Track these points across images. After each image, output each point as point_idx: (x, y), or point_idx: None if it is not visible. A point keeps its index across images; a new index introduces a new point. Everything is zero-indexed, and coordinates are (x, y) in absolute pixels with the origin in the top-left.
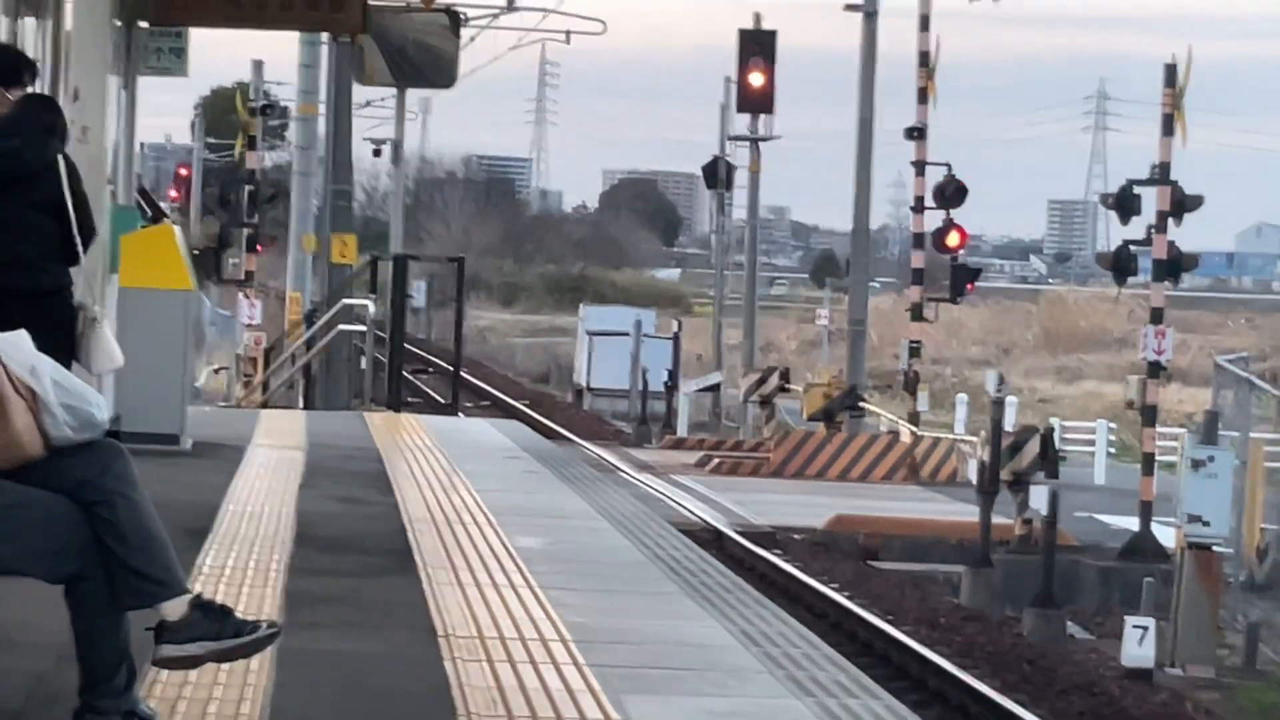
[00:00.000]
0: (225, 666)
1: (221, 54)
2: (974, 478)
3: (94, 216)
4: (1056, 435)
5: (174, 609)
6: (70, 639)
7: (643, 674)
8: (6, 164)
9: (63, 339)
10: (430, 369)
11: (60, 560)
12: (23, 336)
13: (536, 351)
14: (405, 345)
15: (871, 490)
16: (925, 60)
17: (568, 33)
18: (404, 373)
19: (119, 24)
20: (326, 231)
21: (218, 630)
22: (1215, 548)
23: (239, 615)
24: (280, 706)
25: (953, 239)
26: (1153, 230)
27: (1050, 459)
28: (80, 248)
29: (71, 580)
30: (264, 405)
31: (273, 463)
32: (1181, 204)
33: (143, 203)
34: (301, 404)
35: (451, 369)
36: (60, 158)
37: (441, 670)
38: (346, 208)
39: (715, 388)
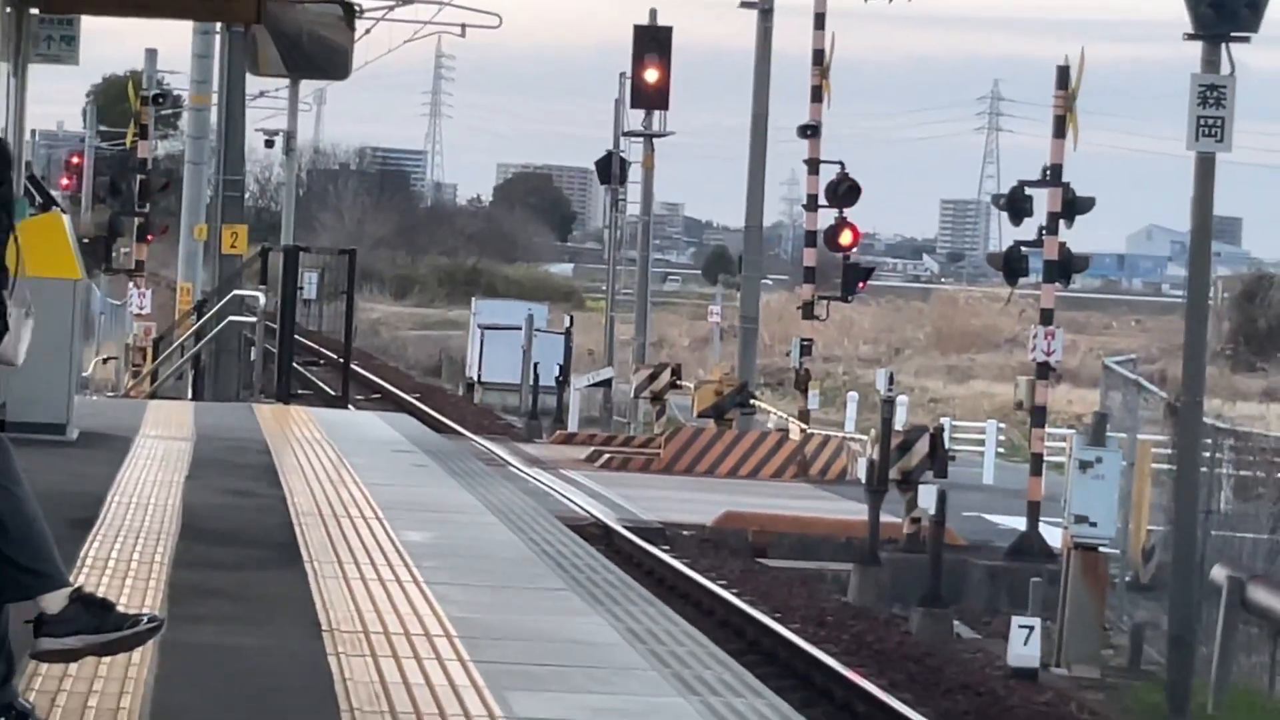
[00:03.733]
0: (106, 660)
1: (115, 42)
2: (863, 476)
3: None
4: (946, 435)
5: (54, 602)
6: None
7: (528, 670)
8: None
9: None
10: (321, 361)
11: None
12: None
13: (428, 345)
14: (296, 337)
15: (761, 487)
16: (820, 59)
17: (463, 26)
18: (294, 365)
19: (9, 10)
20: (218, 222)
21: (98, 624)
22: (1101, 548)
23: (121, 609)
24: (162, 700)
25: (845, 237)
26: (1044, 231)
27: (939, 458)
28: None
29: None
30: (153, 396)
31: (160, 454)
32: (1072, 205)
33: (33, 190)
34: (190, 395)
35: (342, 361)
36: None
37: (326, 665)
38: (238, 198)
39: (607, 383)
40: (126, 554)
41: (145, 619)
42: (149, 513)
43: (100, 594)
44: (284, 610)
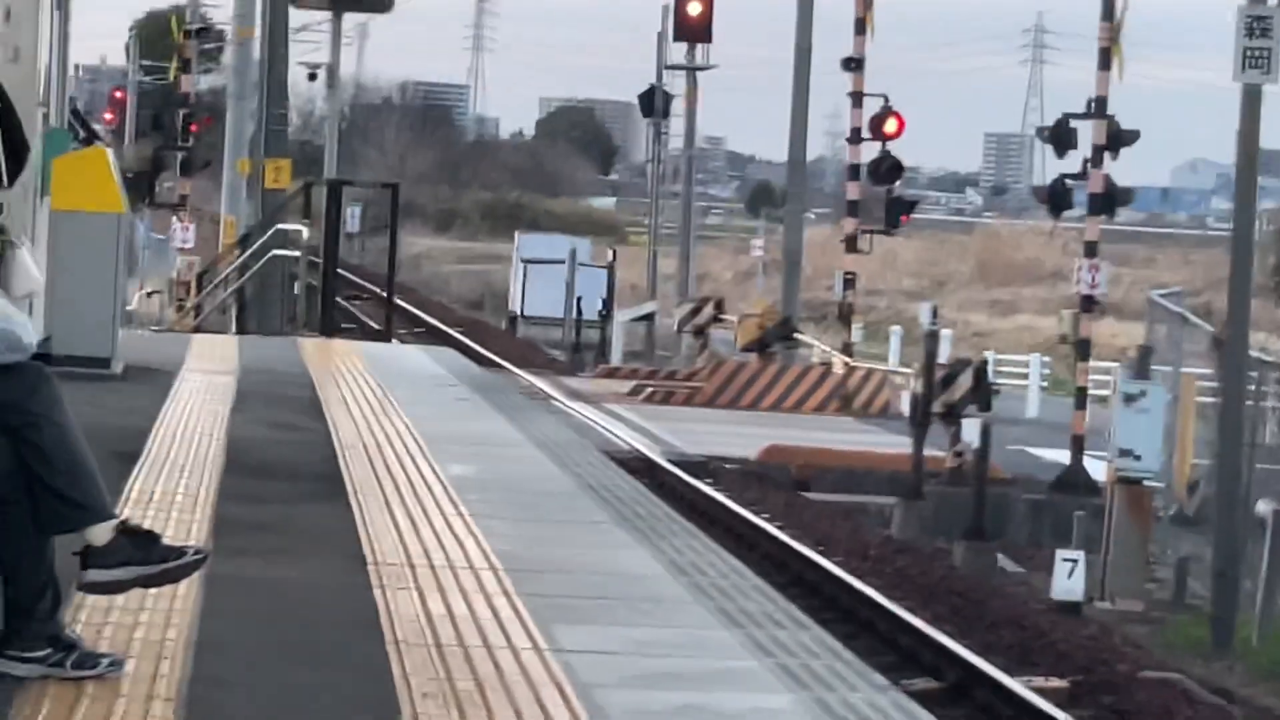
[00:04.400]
0: (152, 592)
1: None
2: (907, 410)
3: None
4: (990, 368)
5: (100, 534)
6: None
7: (572, 603)
8: None
9: None
10: (364, 295)
11: None
12: None
13: (471, 279)
14: (339, 271)
15: (804, 421)
16: None
17: None
18: (337, 299)
19: None
20: (261, 156)
21: (144, 556)
22: (1146, 482)
23: (166, 541)
24: (207, 633)
25: (890, 125)
26: (1088, 164)
27: (983, 392)
28: (3, 169)
29: None
30: (196, 330)
31: (204, 387)
32: (1117, 138)
33: (76, 125)
34: (234, 329)
35: (385, 295)
36: None
37: (370, 598)
38: (281, 132)
39: (650, 317)
40: (171, 487)
41: (190, 551)
42: (193, 446)
43: (146, 527)
44: (328, 543)
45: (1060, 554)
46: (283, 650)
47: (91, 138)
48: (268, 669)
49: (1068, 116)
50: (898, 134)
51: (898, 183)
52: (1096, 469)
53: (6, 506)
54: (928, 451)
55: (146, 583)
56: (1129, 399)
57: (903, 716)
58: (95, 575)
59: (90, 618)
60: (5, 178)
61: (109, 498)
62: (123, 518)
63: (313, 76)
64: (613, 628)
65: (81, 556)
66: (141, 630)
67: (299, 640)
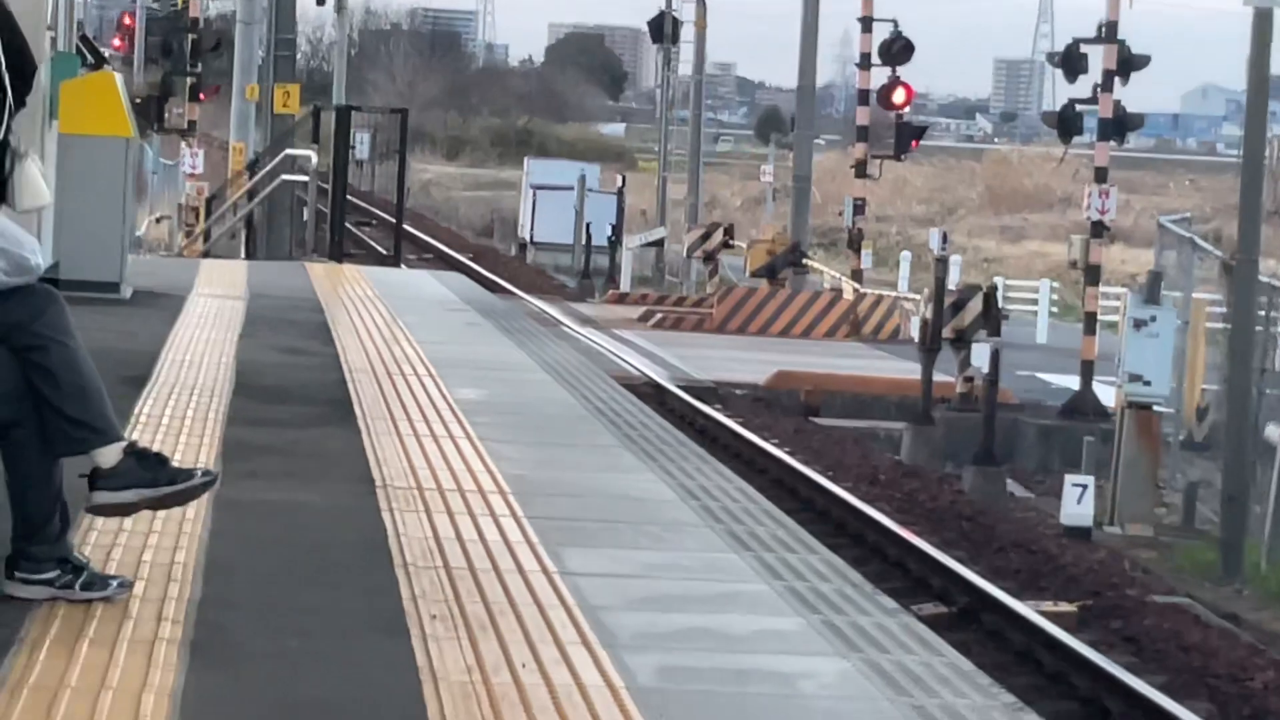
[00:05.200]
0: (160, 514)
1: None
2: (916, 335)
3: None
4: (999, 294)
5: (108, 456)
6: (3, 486)
7: (581, 526)
8: None
9: None
10: (373, 221)
11: None
12: None
13: (480, 205)
14: (348, 197)
15: (814, 347)
16: None
17: None
18: (346, 224)
19: None
20: (270, 81)
21: (152, 478)
22: (1155, 407)
23: (175, 463)
24: (216, 555)
25: (899, 95)
26: (1098, 89)
27: (993, 317)
28: (10, 86)
29: (4, 427)
30: (205, 255)
31: (213, 312)
32: (1128, 63)
33: (84, 51)
34: (243, 254)
35: (394, 221)
36: None
37: (380, 521)
38: (290, 57)
39: (659, 243)
40: (180, 411)
41: (199, 473)
42: (202, 370)
43: (154, 449)
44: (337, 466)
45: (1069, 479)
46: (291, 572)
47: (100, 63)
48: (276, 591)
49: (1078, 41)
50: (906, 103)
51: (907, 109)
52: (1106, 394)
53: (14, 429)
54: (937, 377)
55: (155, 505)
56: (1139, 324)
57: (913, 640)
58: (103, 497)
59: (99, 540)
60: (12, 98)
61: (117, 420)
62: (131, 440)
63: (320, 2)
64: (621, 551)
65: (90, 479)
66: (150, 552)
67: (308, 562)
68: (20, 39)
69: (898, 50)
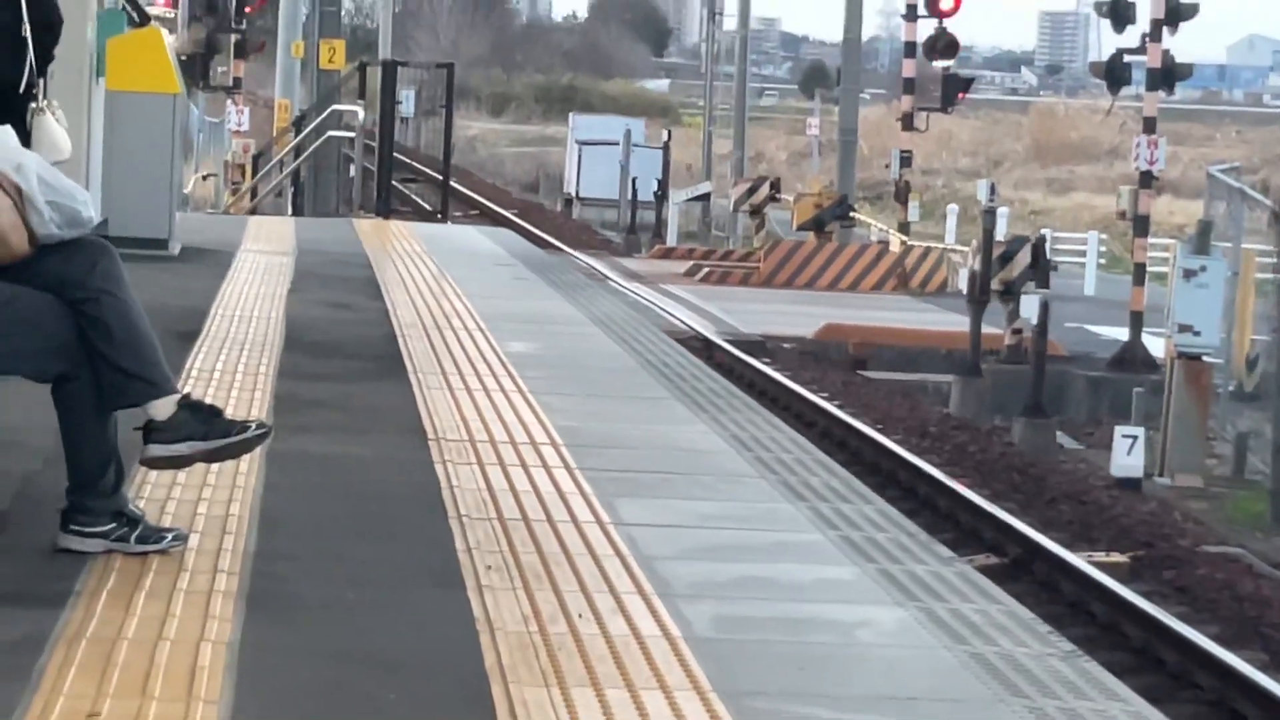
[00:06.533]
0: (214, 467)
1: None
2: (964, 287)
3: (59, 9)
4: (1047, 245)
5: (162, 408)
6: (58, 440)
7: (634, 477)
8: None
9: (17, 134)
10: (419, 178)
11: (47, 359)
12: (7, 133)
13: (525, 161)
14: (394, 153)
15: (861, 300)
16: None
17: None
18: (393, 181)
19: None
20: (315, 38)
21: (206, 430)
22: (1205, 357)
23: (228, 416)
24: (270, 508)
25: (946, 2)
26: (1147, 39)
27: (1041, 269)
28: (31, 35)
29: (59, 379)
30: (252, 212)
31: (262, 268)
32: (1176, 13)
33: (130, 9)
34: (290, 211)
35: (440, 177)
36: None
37: (432, 473)
38: (334, 14)
39: (705, 197)
40: (231, 365)
41: (253, 426)
42: (252, 325)
43: (208, 402)
44: (389, 420)
45: (1119, 430)
46: (345, 525)
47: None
48: (331, 543)
49: None
50: (954, 11)
51: (953, 60)
52: (1155, 345)
53: (69, 382)
54: (985, 329)
55: (209, 457)
56: (1188, 274)
57: (969, 587)
58: (158, 450)
59: (153, 493)
60: (35, 51)
61: (170, 373)
62: (185, 392)
63: None
64: (675, 501)
65: (144, 432)
66: (204, 505)
67: (361, 515)
68: None
69: (944, 2)
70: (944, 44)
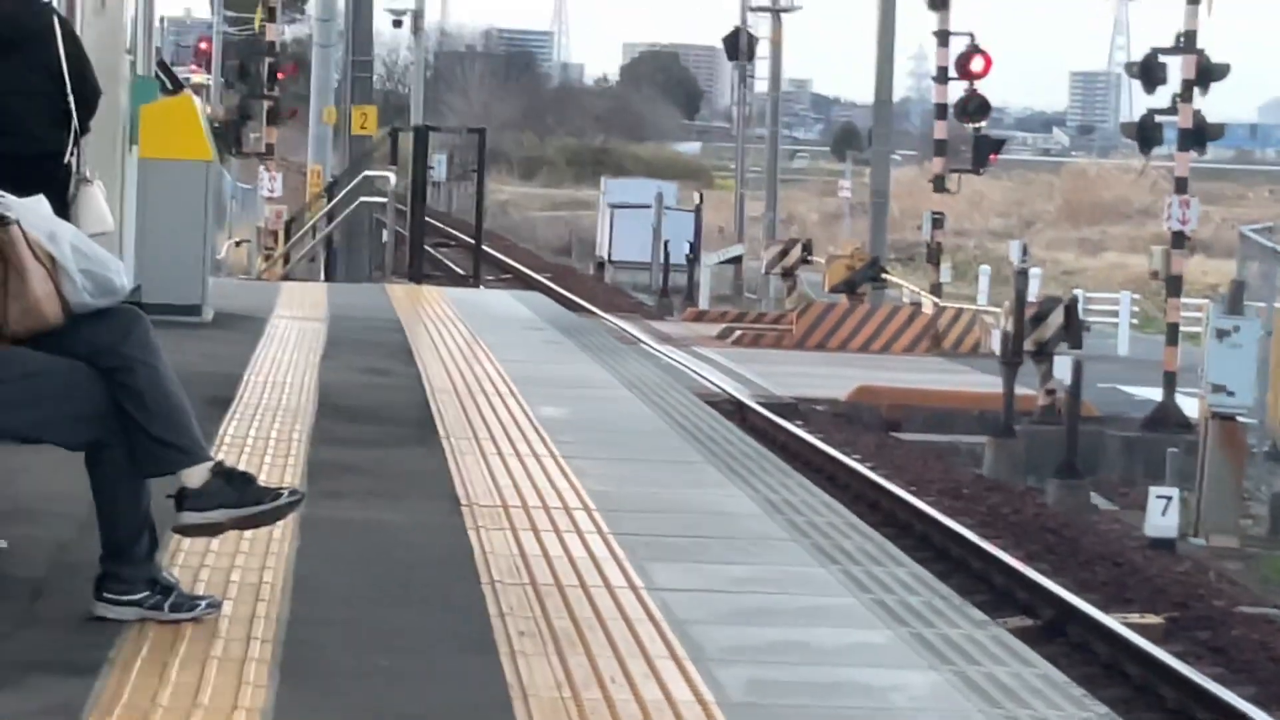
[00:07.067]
0: (248, 534)
1: None
2: (997, 348)
3: (98, 82)
4: (1080, 306)
5: (195, 476)
6: (92, 507)
7: (667, 542)
8: (1, 29)
9: (55, 204)
10: (451, 242)
11: (81, 427)
12: (41, 202)
13: (557, 224)
14: (426, 218)
15: (894, 362)
16: None
17: None
18: (425, 245)
19: None
20: (347, 104)
21: (239, 497)
22: (1239, 418)
23: (261, 483)
24: (303, 575)
25: (977, 64)
26: (1178, 99)
27: (1074, 329)
28: (75, 109)
29: (93, 448)
30: (285, 278)
31: (295, 334)
32: (1208, 72)
33: (163, 77)
34: (323, 276)
35: (472, 242)
36: (55, 19)
37: (465, 539)
38: (367, 79)
39: (737, 260)
40: (264, 432)
41: (286, 493)
42: (286, 391)
43: (241, 469)
44: (422, 485)
45: (1154, 490)
46: (379, 591)
47: (178, 88)
48: (364, 609)
49: (1157, 51)
50: (985, 73)
51: (985, 122)
52: (1189, 405)
53: (102, 450)
54: (1019, 390)
55: (242, 524)
56: (1222, 334)
57: (1003, 651)
58: (191, 517)
59: (187, 560)
60: (78, 122)
61: (203, 440)
62: (218, 459)
63: (397, 24)
64: (708, 565)
65: (177, 499)
66: (238, 572)
67: (395, 581)
68: (86, 65)
69: (974, 64)
70: (975, 106)
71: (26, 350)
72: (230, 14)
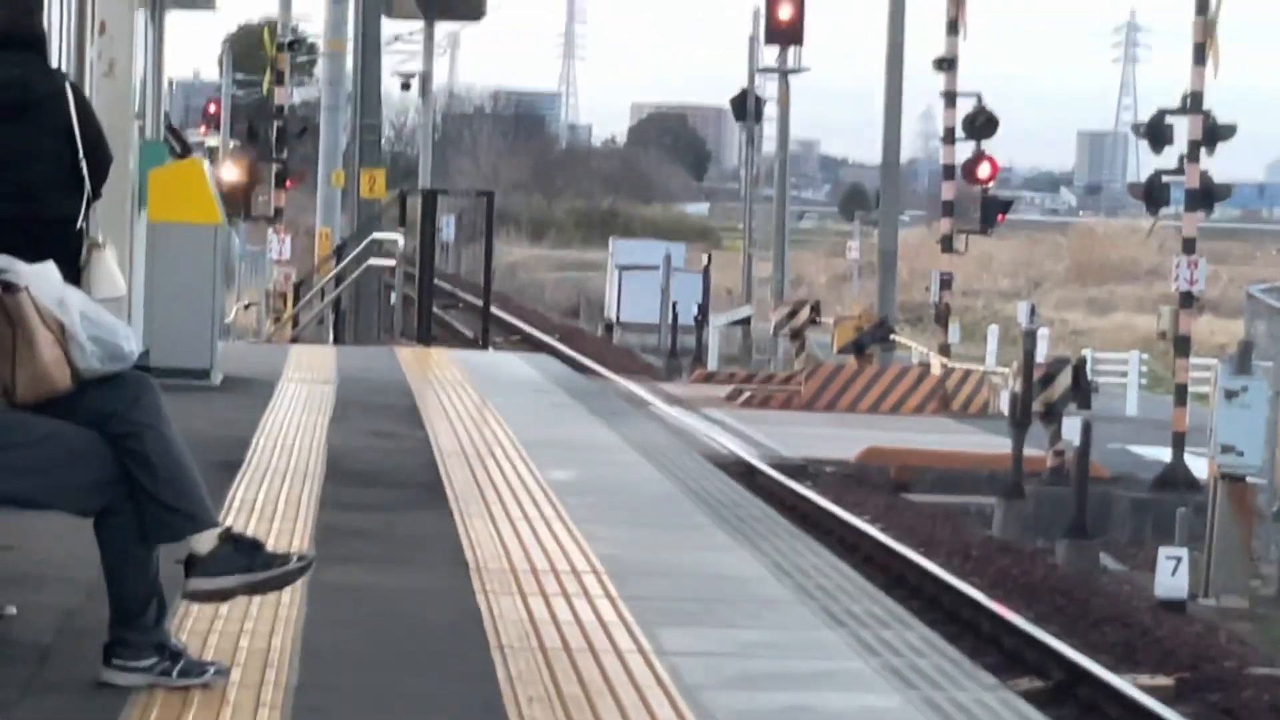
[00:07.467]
0: (257, 600)
1: None
2: (1005, 409)
3: (109, 148)
4: (1088, 366)
5: (204, 542)
6: (100, 574)
7: (676, 606)
8: (12, 93)
9: (67, 268)
10: (460, 304)
11: (89, 494)
12: (50, 268)
13: (566, 286)
14: (434, 280)
15: (903, 423)
16: None
17: None
18: (434, 307)
19: None
20: (355, 167)
21: (248, 563)
22: (1249, 478)
23: (270, 548)
24: (312, 640)
25: (984, 170)
26: (1185, 159)
27: (1082, 390)
28: (88, 174)
29: (101, 514)
30: (294, 340)
31: (303, 397)
32: (1214, 133)
33: (171, 140)
34: (331, 339)
35: (481, 304)
36: (67, 84)
37: (474, 603)
38: (375, 142)
39: (746, 321)
40: (273, 496)
41: (295, 558)
42: (294, 455)
43: (249, 535)
44: (431, 550)
45: (1163, 551)
46: (388, 656)
47: (186, 151)
48: (372, 675)
49: (1163, 112)
50: (991, 178)
51: (993, 180)
52: (1198, 466)
53: (111, 516)
54: (1027, 451)
55: (251, 590)
56: (1230, 395)
57: (1013, 715)
58: (199, 584)
59: (195, 626)
60: (90, 187)
61: (212, 505)
62: (226, 525)
63: (406, 86)
64: (717, 629)
65: (185, 565)
66: (246, 638)
67: (404, 646)
68: (98, 130)
69: (981, 124)
70: (983, 120)
71: (35, 416)
72: (239, 76)
